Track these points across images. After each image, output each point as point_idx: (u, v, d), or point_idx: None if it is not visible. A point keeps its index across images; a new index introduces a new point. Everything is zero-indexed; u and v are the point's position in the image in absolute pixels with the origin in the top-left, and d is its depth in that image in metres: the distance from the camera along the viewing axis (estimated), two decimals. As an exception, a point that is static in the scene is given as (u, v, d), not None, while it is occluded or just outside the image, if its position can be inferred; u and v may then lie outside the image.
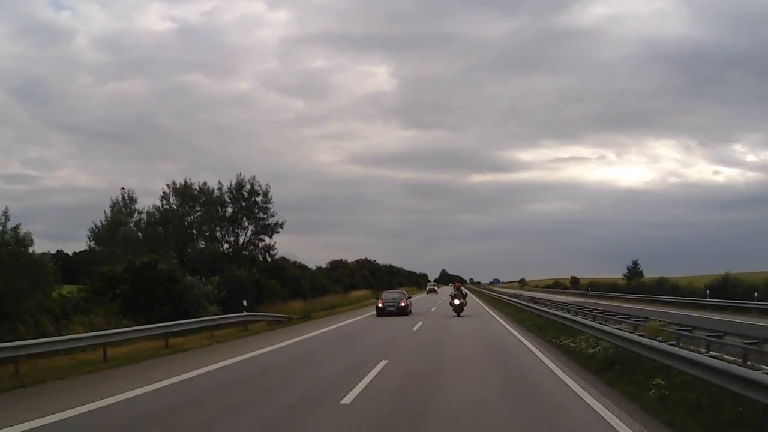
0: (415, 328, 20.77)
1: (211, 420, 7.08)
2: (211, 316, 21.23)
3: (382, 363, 11.45)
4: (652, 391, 7.64)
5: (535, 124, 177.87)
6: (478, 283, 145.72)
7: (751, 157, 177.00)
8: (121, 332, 15.54)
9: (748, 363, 9.14)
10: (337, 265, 62.53)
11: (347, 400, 7.91)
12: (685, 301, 35.73)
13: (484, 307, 37.97)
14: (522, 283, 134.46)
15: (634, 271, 59.59)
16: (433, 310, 33.70)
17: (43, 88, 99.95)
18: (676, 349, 8.63)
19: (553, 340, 14.84)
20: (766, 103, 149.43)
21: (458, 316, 26.90)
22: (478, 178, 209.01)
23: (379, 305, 30.34)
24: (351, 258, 71.31)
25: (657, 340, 10.24)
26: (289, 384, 9.73)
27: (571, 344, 13.03)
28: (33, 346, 12.19)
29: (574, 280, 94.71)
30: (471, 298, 40.48)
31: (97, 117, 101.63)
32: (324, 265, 60.68)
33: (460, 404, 7.71)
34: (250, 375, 10.97)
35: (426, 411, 7.28)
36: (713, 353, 9.60)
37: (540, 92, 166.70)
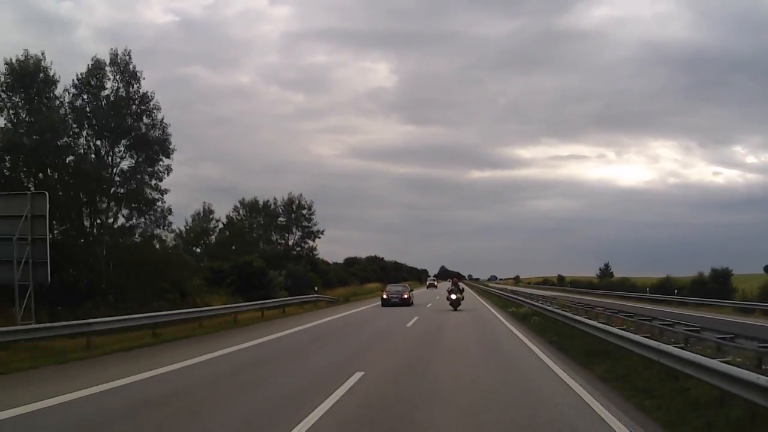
0: (428, 306, 31.18)
1: (342, 337, 17.23)
2: (281, 299, 31.35)
3: (415, 318, 21.74)
4: (532, 320, 18.00)
5: (535, 121, 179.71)
6: (477, 279, 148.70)
7: (751, 159, 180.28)
8: (244, 305, 25.39)
9: (608, 324, 19.27)
10: (352, 261, 73.04)
11: (410, 324, 18.28)
12: (628, 295, 46.06)
13: (475, 295, 49.09)
14: (517, 280, 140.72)
15: (605, 272, 70.35)
16: (436, 298, 42.86)
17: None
18: (560, 310, 18.89)
19: (507, 309, 25.61)
20: (767, 105, 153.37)
21: (455, 310, 27.28)
22: (478, 175, 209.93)
23: (384, 296, 32.60)
24: (352, 253, 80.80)
25: (558, 309, 20.40)
26: (366, 326, 19.89)
27: (514, 310, 23.51)
28: (198, 311, 22.55)
29: (561, 278, 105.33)
30: (468, 291, 50.78)
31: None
32: (340, 261, 71.18)
33: (453, 338, 17.98)
34: (338, 327, 20.96)
35: (435, 340, 17.60)
36: (596, 321, 19.78)
37: (541, 91, 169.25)
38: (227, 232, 41.95)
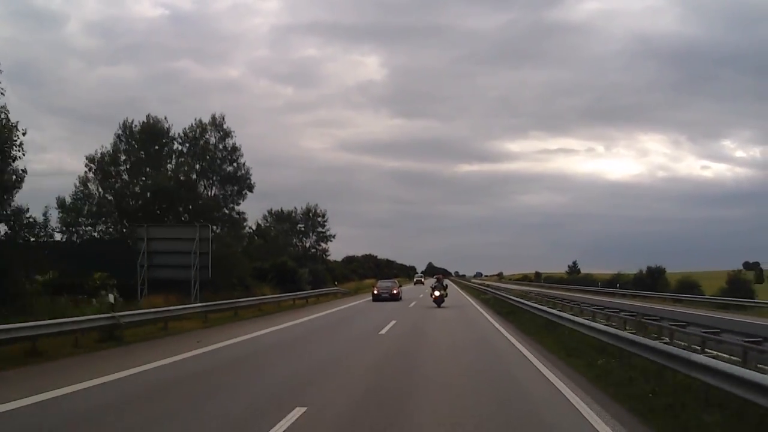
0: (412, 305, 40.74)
1: (359, 315, 26.61)
2: (316, 290, 40.53)
3: (414, 302, 31.13)
4: (488, 297, 27.63)
5: (525, 115, 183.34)
6: (464, 276, 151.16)
7: (740, 153, 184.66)
8: (285, 296, 34.69)
9: (555, 310, 28.82)
10: (351, 260, 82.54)
11: (412, 305, 27.68)
12: (586, 288, 55.93)
13: (457, 288, 58.99)
14: (500, 277, 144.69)
15: (573, 269, 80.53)
16: (420, 296, 52.87)
17: (35, 71, 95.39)
18: (518, 298, 28.47)
19: (479, 296, 35.18)
20: (757, 100, 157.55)
21: (438, 307, 27.33)
22: (466, 168, 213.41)
23: (375, 292, 35.50)
24: (343, 248, 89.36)
25: (517, 298, 29.88)
26: (374, 313, 29.00)
27: (484, 296, 33.14)
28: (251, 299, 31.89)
29: (537, 275, 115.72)
30: (452, 286, 60.47)
31: (87, 101, 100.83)
32: (336, 258, 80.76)
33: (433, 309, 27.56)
34: (354, 312, 30.33)
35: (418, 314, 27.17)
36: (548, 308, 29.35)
37: (531, 84, 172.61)
38: (256, 237, 51.07)
